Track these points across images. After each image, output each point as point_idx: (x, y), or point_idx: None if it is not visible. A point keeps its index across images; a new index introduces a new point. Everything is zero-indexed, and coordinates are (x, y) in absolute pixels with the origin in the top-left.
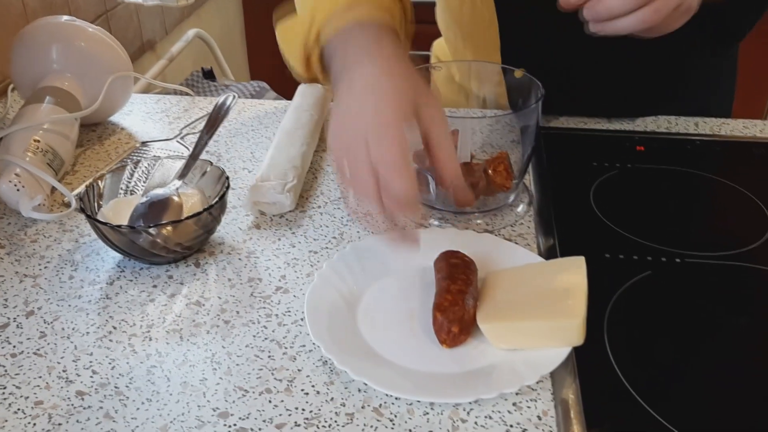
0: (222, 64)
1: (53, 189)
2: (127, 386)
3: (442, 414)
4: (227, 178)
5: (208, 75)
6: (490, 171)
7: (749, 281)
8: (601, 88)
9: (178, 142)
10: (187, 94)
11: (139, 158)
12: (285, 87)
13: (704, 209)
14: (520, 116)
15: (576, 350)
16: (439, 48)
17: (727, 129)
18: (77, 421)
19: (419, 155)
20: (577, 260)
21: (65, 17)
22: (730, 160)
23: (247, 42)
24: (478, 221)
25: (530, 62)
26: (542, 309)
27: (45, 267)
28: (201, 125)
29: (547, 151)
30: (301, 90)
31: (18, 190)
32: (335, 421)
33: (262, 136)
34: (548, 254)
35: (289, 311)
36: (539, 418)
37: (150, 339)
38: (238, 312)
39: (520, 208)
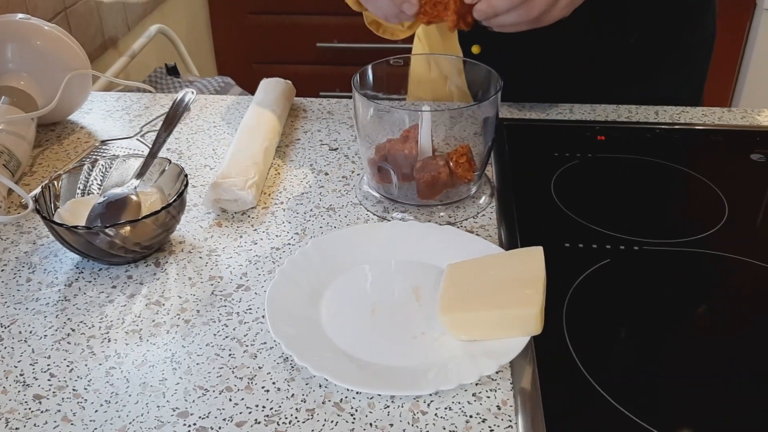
0: (186, 59)
1: (10, 191)
2: (85, 389)
3: (402, 407)
4: (186, 175)
5: (172, 71)
6: (452, 163)
7: (706, 267)
8: (561, 72)
9: (138, 140)
10: (147, 91)
11: (96, 157)
12: (251, 82)
13: (663, 197)
14: (480, 108)
15: (535, 339)
16: (420, 29)
17: (686, 117)
18: (35, 425)
19: (380, 149)
20: (535, 250)
21: (20, 15)
22: (688, 147)
23: (213, 37)
24: (441, 213)
25: (489, 44)
26: (500, 299)
27: (2, 270)
28: (161, 122)
29: (509, 142)
30: (264, 85)
31: None
32: (296, 418)
33: (224, 133)
34: (509, 245)
35: (251, 309)
36: (498, 407)
37: (109, 340)
38: (198, 311)
39: (482, 200)
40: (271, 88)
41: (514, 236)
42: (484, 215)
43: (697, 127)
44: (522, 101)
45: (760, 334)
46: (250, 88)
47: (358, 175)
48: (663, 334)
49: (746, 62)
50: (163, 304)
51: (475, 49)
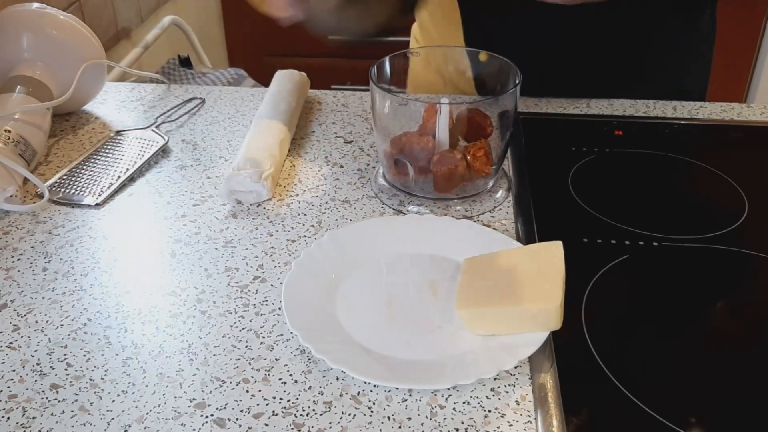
0: (199, 51)
1: (26, 180)
2: (102, 378)
3: (420, 401)
4: None
5: (185, 62)
6: (469, 157)
7: (726, 264)
8: (569, 68)
9: (153, 131)
10: (162, 82)
11: None
12: (263, 74)
13: (681, 193)
14: (497, 101)
15: (554, 335)
16: (416, 31)
17: (705, 113)
18: (52, 414)
19: (396, 142)
20: (554, 245)
21: (36, 4)
22: (707, 143)
23: (225, 29)
24: (458, 207)
25: (496, 42)
26: (519, 294)
27: (18, 259)
28: (176, 113)
29: (526, 136)
30: (278, 77)
31: None
32: (313, 410)
33: (239, 124)
34: (527, 239)
35: (267, 301)
36: (517, 402)
37: (125, 331)
38: (214, 302)
39: (499, 194)
40: (286, 80)
41: (531, 231)
42: (500, 209)
43: (715, 123)
44: (535, 96)
45: None
46: (262, 81)
47: (374, 167)
48: (682, 331)
49: (762, 57)
50: (180, 295)
51: (483, 57)
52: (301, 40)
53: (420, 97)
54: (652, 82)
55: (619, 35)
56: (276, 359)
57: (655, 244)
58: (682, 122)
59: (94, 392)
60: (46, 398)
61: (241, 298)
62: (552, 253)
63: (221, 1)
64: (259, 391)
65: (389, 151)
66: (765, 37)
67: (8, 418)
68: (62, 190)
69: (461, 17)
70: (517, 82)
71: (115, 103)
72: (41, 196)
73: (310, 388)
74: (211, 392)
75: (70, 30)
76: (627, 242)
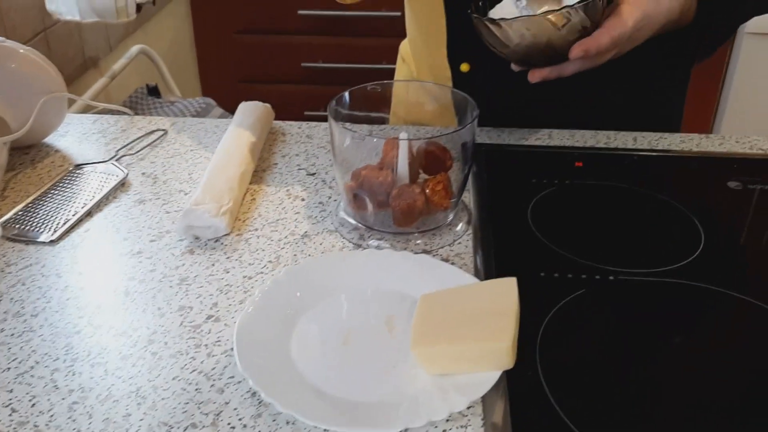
0: (168, 80)
1: None
2: (47, 425)
3: None
4: None
5: (153, 92)
6: (428, 191)
7: (681, 298)
8: (550, 90)
9: (113, 164)
10: (124, 113)
11: None
12: (235, 101)
13: (639, 225)
14: (456, 135)
15: (507, 373)
16: (404, 48)
17: (665, 143)
18: None
19: (356, 175)
20: (508, 282)
21: None
22: (666, 174)
23: (197, 56)
24: (418, 241)
25: (478, 62)
26: (471, 332)
27: None
28: (138, 146)
29: (488, 168)
30: (242, 108)
31: None
32: None
33: (200, 157)
34: (485, 273)
35: (219, 341)
36: None
37: (73, 374)
38: (166, 343)
39: (459, 227)
40: (250, 111)
41: (490, 265)
42: (460, 243)
43: (674, 154)
44: (511, 119)
45: (736, 366)
46: (235, 108)
47: (335, 200)
48: (637, 368)
49: (728, 86)
50: (131, 336)
51: (464, 67)
52: (275, 68)
53: (383, 128)
54: (627, 114)
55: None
56: (226, 402)
57: (611, 278)
58: (642, 153)
59: None
60: None
61: (194, 338)
62: (505, 290)
63: (193, 30)
64: None
65: (350, 184)
66: (731, 66)
67: None
68: (17, 226)
69: (446, 36)
70: (474, 116)
71: (76, 135)
72: None
73: None
74: None
75: (29, 64)
76: (583, 276)
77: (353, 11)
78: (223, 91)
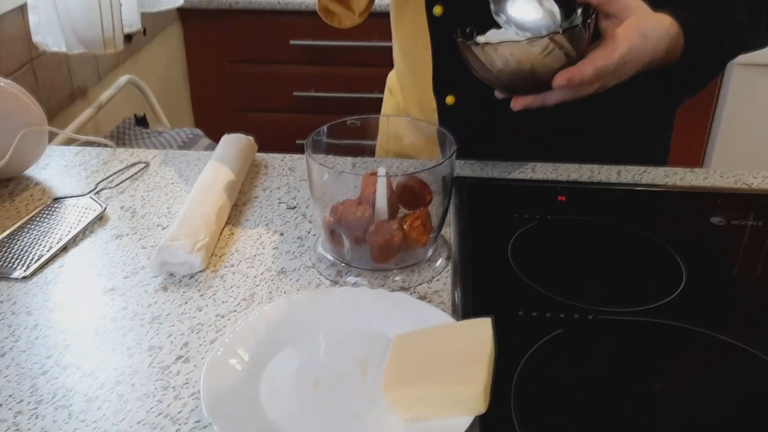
0: (156, 110)
1: None
2: None
3: None
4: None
5: (141, 122)
6: (405, 226)
7: (660, 338)
8: (535, 123)
9: (91, 198)
10: (107, 145)
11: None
12: (228, 130)
13: (620, 262)
14: (435, 170)
15: (481, 418)
16: (391, 79)
17: (648, 177)
18: None
19: (335, 210)
20: (482, 322)
21: None
22: (648, 209)
23: (190, 86)
24: (396, 278)
25: (463, 94)
26: (443, 375)
27: None
28: (119, 178)
29: (470, 202)
30: (224, 141)
31: None
32: None
33: (181, 190)
34: (463, 311)
35: (188, 383)
36: None
37: (36, 417)
38: (133, 385)
39: (439, 263)
40: (231, 144)
41: (468, 303)
42: (439, 279)
43: (658, 189)
44: (496, 152)
45: (716, 408)
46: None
47: (315, 235)
48: (615, 411)
49: (718, 118)
50: (98, 377)
51: (450, 100)
52: (267, 97)
53: (359, 165)
54: (615, 149)
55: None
56: None
57: (590, 317)
58: (625, 188)
59: None
60: None
61: (162, 380)
62: (480, 331)
63: (186, 58)
64: None
65: (327, 219)
66: (721, 96)
67: None
68: None
69: (432, 68)
70: (452, 151)
71: (57, 167)
72: None
73: None
74: None
75: (7, 97)
76: (562, 315)
77: (345, 41)
78: (215, 120)
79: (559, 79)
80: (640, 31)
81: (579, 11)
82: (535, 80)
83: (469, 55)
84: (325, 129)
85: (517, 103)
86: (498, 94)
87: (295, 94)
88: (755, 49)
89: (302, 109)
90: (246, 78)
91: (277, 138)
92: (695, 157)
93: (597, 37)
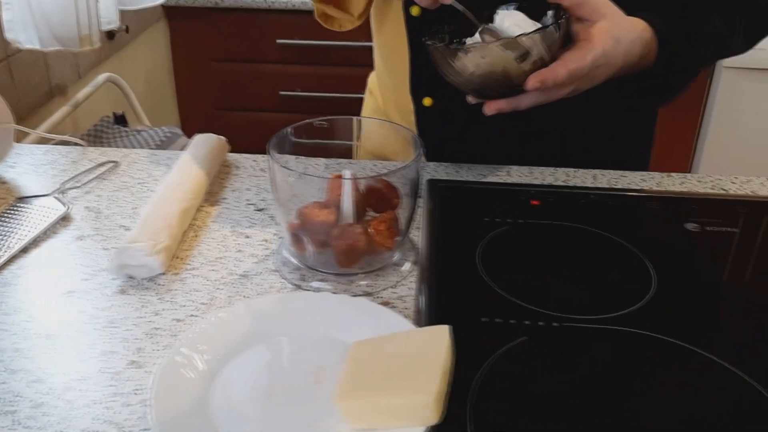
0: (136, 108)
1: None
2: None
3: None
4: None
5: (120, 120)
6: (370, 230)
7: (626, 347)
8: (513, 125)
9: (55, 197)
10: (77, 144)
11: None
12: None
13: (590, 268)
14: (401, 172)
15: (434, 429)
16: (372, 81)
17: (625, 182)
18: None
19: (301, 214)
20: (440, 330)
21: None
22: (622, 214)
23: (175, 84)
24: (361, 282)
25: (440, 96)
26: (394, 385)
27: None
28: (86, 178)
29: (441, 205)
30: (195, 141)
31: None
32: None
33: (148, 190)
34: (427, 317)
35: (138, 389)
36: None
37: None
38: (81, 390)
39: (405, 267)
40: (201, 145)
41: (431, 309)
42: (404, 284)
43: (633, 194)
44: (474, 155)
45: (682, 419)
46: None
47: (281, 238)
48: (578, 423)
49: (707, 121)
50: (46, 382)
51: (427, 101)
52: (253, 96)
53: (331, 166)
54: (593, 154)
55: (557, 111)
56: None
57: (555, 324)
58: (599, 192)
59: None
60: None
61: (112, 386)
62: (437, 339)
63: (172, 56)
64: None
65: (292, 223)
66: (710, 99)
67: None
68: None
69: (409, 70)
70: (418, 154)
71: (25, 166)
72: None
73: None
74: None
75: None
76: (526, 322)
77: (331, 41)
78: (200, 119)
79: (532, 81)
80: (613, 34)
81: (550, 13)
82: (508, 83)
83: (439, 58)
84: (291, 130)
85: (491, 108)
86: (470, 99)
87: (281, 93)
88: (730, 55)
89: (288, 109)
90: (232, 77)
91: (263, 138)
92: (683, 161)
93: (569, 42)
